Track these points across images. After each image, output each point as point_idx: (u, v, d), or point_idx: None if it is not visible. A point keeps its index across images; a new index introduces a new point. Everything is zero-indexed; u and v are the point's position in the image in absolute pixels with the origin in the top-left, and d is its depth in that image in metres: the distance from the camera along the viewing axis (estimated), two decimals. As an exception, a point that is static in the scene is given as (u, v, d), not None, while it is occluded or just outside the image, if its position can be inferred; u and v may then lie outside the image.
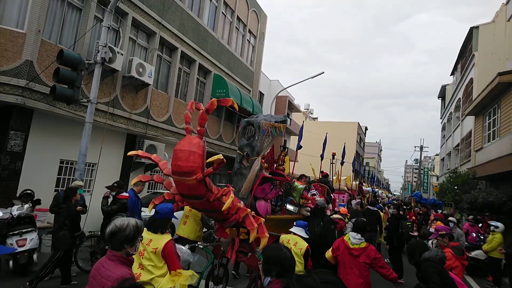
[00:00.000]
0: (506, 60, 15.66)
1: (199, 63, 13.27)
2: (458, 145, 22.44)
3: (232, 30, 15.77)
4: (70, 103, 7.14)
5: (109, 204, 5.92)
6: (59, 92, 6.74)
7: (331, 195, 8.61)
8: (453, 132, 24.64)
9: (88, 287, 2.14)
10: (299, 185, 6.26)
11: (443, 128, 30.30)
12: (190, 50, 12.69)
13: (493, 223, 8.82)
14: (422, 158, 46.13)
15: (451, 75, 25.73)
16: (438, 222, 7.25)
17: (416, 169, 78.42)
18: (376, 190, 18.71)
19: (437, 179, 38.69)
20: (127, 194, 5.73)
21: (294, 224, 4.46)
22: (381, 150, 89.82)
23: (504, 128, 12.85)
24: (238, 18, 16.35)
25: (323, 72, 16.31)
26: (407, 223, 8.40)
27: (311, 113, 51.84)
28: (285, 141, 29.23)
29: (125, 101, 9.96)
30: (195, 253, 4.17)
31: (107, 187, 6.23)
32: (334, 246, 4.33)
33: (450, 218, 7.89)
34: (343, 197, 10.13)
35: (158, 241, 3.15)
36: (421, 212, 12.84)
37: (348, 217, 7.25)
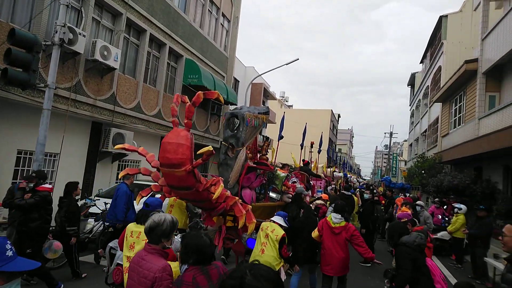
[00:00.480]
0: (471, 49, 16.21)
1: (169, 46, 12.68)
2: (425, 131, 23.30)
3: (204, 13, 15.16)
4: (26, 88, 6.52)
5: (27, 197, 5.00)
6: (12, 75, 6.12)
7: (311, 182, 8.94)
8: (421, 118, 25.53)
9: (128, 280, 2.34)
10: (281, 173, 6.52)
11: (412, 115, 31.35)
12: (159, 33, 12.07)
13: (457, 205, 9.22)
14: (391, 144, 47.79)
15: (420, 63, 26.48)
16: (404, 207, 7.46)
17: (385, 154, 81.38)
18: (349, 175, 19.17)
19: (405, 164, 40.31)
20: (49, 186, 5.18)
21: (275, 213, 4.77)
22: (352, 136, 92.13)
23: (468, 114, 13.38)
24: (211, 1, 15.73)
25: (298, 59, 16.18)
26: (381, 208, 8.66)
27: (286, 101, 51.92)
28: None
29: (89, 86, 9.34)
30: None
31: (25, 178, 5.40)
32: (318, 227, 4.92)
33: (418, 202, 8.14)
34: (320, 183, 10.50)
35: None
36: (386, 195, 13.23)
37: (328, 202, 7.68)
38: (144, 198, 4.46)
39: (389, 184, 17.63)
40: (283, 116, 9.66)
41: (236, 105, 16.12)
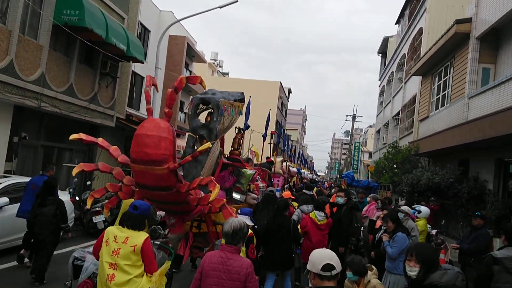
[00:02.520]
0: (461, 7, 16.79)
1: (30, -40, 10.63)
2: (398, 113, 24.19)
3: None
4: None
5: None
6: None
7: (272, 180, 10.37)
8: (393, 97, 26.51)
9: (210, 279, 3.42)
10: (248, 170, 7.33)
11: (381, 93, 32.62)
12: None
13: (417, 207, 9.12)
14: (354, 130, 49.89)
15: (396, 23, 27.31)
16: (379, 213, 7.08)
17: (345, 143, 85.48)
18: (302, 171, 19.02)
19: (370, 156, 42.32)
20: None
21: (239, 212, 5.67)
22: (305, 119, 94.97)
23: (456, 91, 13.75)
24: None
25: (237, 1, 15.08)
26: (361, 216, 8.25)
27: (220, 66, 50.77)
28: (182, 103, 27.92)
29: None
30: (159, 250, 4.79)
31: None
32: (302, 224, 7.17)
33: (403, 208, 7.75)
34: (278, 181, 11.30)
35: (136, 238, 3.79)
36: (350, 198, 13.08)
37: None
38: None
39: (351, 182, 17.80)
40: (249, 100, 9.54)
41: (142, 62, 14.56)
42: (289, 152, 19.03)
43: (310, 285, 3.06)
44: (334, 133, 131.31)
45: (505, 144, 10.95)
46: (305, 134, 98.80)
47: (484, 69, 12.80)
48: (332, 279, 2.83)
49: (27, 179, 8.86)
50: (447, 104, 14.74)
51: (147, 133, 4.13)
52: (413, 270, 3.36)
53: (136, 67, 17.15)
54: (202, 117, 6.15)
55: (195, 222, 5.59)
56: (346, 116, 42.05)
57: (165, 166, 4.16)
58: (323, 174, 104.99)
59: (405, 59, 23.37)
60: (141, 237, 3.82)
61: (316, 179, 18.28)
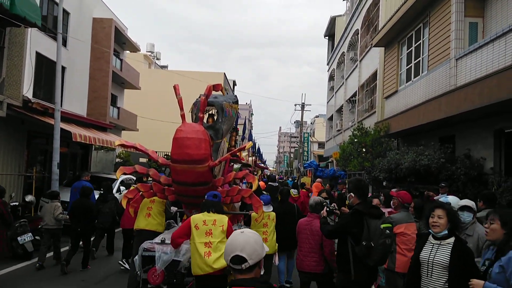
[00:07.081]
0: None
1: None
2: (354, 95, 21.90)
3: None
4: None
5: None
6: None
7: None
8: (346, 79, 24.26)
9: (302, 235, 5.35)
10: (235, 165, 8.31)
11: (331, 78, 30.41)
12: None
13: (442, 197, 6.75)
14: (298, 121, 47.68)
15: (344, 0, 25.05)
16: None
17: (293, 136, 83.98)
18: (261, 164, 16.23)
19: (320, 146, 40.34)
20: None
21: (261, 199, 6.15)
22: (252, 114, 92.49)
23: (436, 54, 11.34)
24: None
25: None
26: None
27: (157, 59, 46.54)
28: (115, 97, 24.38)
29: None
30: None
31: None
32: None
33: (464, 202, 4.83)
34: None
35: (221, 219, 4.54)
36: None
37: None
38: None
39: (315, 172, 15.09)
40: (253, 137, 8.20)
41: (38, 26, 10.73)
42: (254, 148, 16.58)
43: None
44: (280, 127, 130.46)
45: (507, 111, 8.70)
46: (252, 129, 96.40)
47: (471, 23, 10.46)
48: (246, 272, 2.20)
49: None
50: (423, 72, 12.35)
51: (187, 136, 4.80)
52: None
53: (40, 46, 13.11)
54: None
55: None
56: (295, 105, 39.49)
57: (206, 164, 4.93)
58: (272, 168, 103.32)
59: (359, 35, 21.08)
60: (225, 218, 4.58)
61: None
